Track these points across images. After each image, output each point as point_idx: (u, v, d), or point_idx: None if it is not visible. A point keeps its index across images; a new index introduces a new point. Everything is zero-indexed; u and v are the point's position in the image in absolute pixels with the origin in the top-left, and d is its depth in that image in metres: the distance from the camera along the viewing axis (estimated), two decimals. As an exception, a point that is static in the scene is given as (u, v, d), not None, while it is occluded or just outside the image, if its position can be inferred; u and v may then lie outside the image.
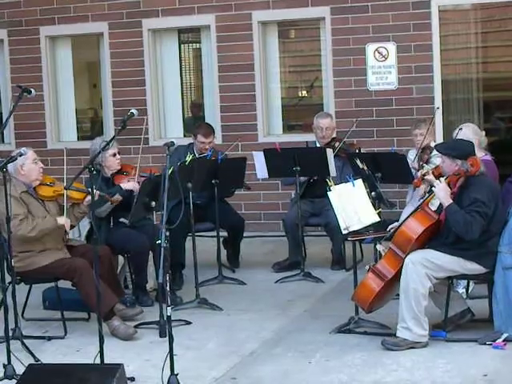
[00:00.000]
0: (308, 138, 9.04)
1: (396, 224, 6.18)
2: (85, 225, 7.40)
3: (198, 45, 11.14)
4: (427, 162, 7.63)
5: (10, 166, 5.96)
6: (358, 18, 9.99)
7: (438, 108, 8.25)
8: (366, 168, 6.93)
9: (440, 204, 5.90)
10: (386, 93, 9.99)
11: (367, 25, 9.97)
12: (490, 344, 5.75)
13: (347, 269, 8.04)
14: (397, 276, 5.85)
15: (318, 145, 8.45)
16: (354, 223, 6.09)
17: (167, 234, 5.05)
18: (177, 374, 5.04)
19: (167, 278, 4.99)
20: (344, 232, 6.10)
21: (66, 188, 6.49)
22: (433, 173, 6.64)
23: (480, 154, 6.57)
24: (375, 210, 6.28)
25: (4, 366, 5.48)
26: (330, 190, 6.13)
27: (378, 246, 6.11)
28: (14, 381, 5.32)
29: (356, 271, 6.40)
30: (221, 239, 8.19)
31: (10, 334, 5.64)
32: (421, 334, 5.79)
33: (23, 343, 5.96)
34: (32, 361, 5.71)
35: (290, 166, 7.84)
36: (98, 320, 5.43)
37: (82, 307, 6.68)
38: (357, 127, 8.58)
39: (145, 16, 10.70)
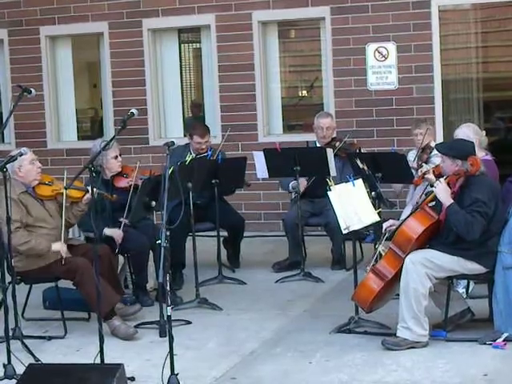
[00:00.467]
0: (308, 137, 9.04)
1: (391, 222, 6.18)
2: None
3: (198, 45, 11.15)
4: (426, 162, 7.63)
5: (8, 167, 5.95)
6: (358, 18, 9.99)
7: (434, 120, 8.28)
8: (366, 168, 6.93)
9: (440, 203, 5.90)
10: (386, 92, 9.99)
11: (367, 25, 9.97)
12: (490, 344, 5.75)
13: (347, 269, 8.04)
14: (397, 276, 5.85)
15: (318, 145, 8.46)
16: (354, 223, 6.09)
17: (167, 233, 5.05)
18: (177, 374, 5.05)
19: (167, 278, 4.99)
20: (344, 232, 6.11)
21: (65, 187, 6.48)
22: (433, 172, 6.65)
23: (480, 153, 6.58)
24: (375, 209, 6.29)
25: (4, 365, 5.48)
26: (330, 190, 6.12)
27: (378, 247, 6.10)
28: (14, 381, 5.31)
29: (356, 271, 6.40)
30: (221, 239, 8.19)
31: (10, 334, 5.63)
32: (421, 334, 5.79)
33: (23, 343, 5.96)
34: (32, 361, 5.70)
35: (291, 165, 7.84)
36: (98, 320, 5.42)
37: (82, 307, 6.67)
38: (357, 127, 8.58)
39: (145, 16, 10.70)
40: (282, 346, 6.08)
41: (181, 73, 11.07)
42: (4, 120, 10.96)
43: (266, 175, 8.17)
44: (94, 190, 5.62)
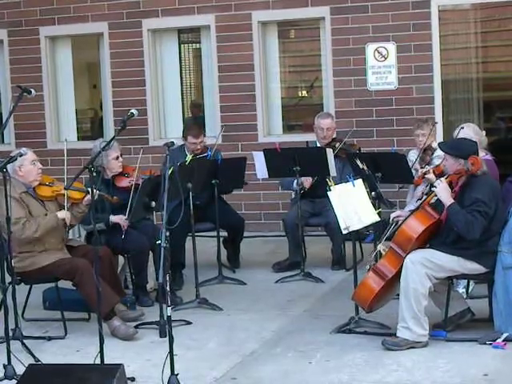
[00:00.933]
0: (308, 137, 9.04)
1: (398, 213, 6.19)
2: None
3: (197, 45, 11.15)
4: (429, 164, 7.62)
5: (8, 167, 5.96)
6: (357, 18, 9.99)
7: (436, 123, 8.26)
8: (365, 168, 6.93)
9: (440, 203, 5.90)
10: (385, 93, 9.99)
11: (367, 25, 9.97)
12: (490, 344, 5.75)
13: (347, 269, 8.04)
14: (397, 275, 5.85)
15: (318, 145, 8.45)
16: (354, 223, 6.09)
17: (167, 234, 5.05)
18: (177, 374, 5.05)
19: (167, 278, 4.99)
20: (344, 232, 6.11)
21: (65, 188, 6.49)
22: (433, 172, 6.65)
23: (480, 153, 6.56)
24: (375, 209, 6.29)
25: (4, 366, 5.48)
26: (330, 190, 6.13)
27: (379, 246, 6.11)
28: (14, 381, 5.32)
29: (356, 271, 6.40)
30: (221, 239, 8.19)
31: (10, 335, 5.63)
32: (421, 334, 5.79)
33: (23, 343, 5.96)
34: (32, 361, 5.70)
35: (290, 166, 7.84)
36: (98, 320, 5.42)
37: (82, 307, 6.68)
38: (357, 127, 8.57)
39: (145, 16, 10.71)
40: (282, 346, 6.08)
41: (181, 73, 11.08)
42: (4, 120, 10.95)
43: (266, 175, 8.17)
44: (95, 191, 5.62)
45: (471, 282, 6.78)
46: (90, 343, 5.94)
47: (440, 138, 9.46)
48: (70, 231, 7.17)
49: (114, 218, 7.14)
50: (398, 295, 5.91)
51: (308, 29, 10.95)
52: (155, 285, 7.31)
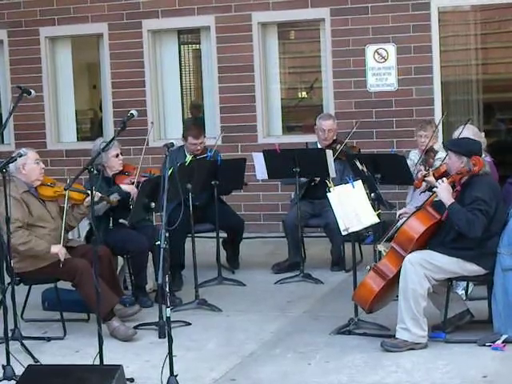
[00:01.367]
0: (308, 139, 9.04)
1: (404, 209, 6.20)
2: (84, 226, 7.40)
3: (197, 46, 11.15)
4: (431, 166, 7.62)
5: (11, 166, 5.96)
6: (357, 20, 9.99)
7: (442, 118, 8.29)
8: (365, 169, 6.94)
9: (442, 203, 5.90)
10: (385, 94, 9.99)
11: (367, 26, 9.98)
12: (490, 345, 5.75)
13: (347, 270, 8.04)
14: (398, 276, 5.85)
15: (318, 146, 8.45)
16: (354, 224, 6.09)
17: (167, 235, 5.05)
18: (176, 375, 5.04)
19: (166, 279, 4.99)
20: (344, 233, 6.11)
21: (65, 188, 6.49)
22: (433, 174, 6.65)
23: (480, 155, 6.58)
24: (375, 211, 6.29)
25: (3, 366, 5.48)
26: (330, 192, 6.13)
27: (379, 246, 6.11)
28: (14, 382, 5.32)
29: (356, 272, 6.40)
30: (220, 240, 8.19)
31: (10, 335, 5.63)
32: (420, 335, 5.79)
33: (22, 344, 5.96)
34: (31, 362, 5.70)
35: (290, 167, 7.84)
36: (98, 321, 5.42)
37: (81, 308, 6.68)
38: (357, 128, 8.57)
39: (145, 17, 10.70)
40: (281, 347, 6.08)
41: (180, 74, 11.07)
42: (4, 121, 10.95)
43: (266, 176, 8.17)
44: (96, 193, 5.63)
45: (470, 284, 6.78)
46: (90, 344, 5.94)
47: (440, 139, 9.47)
48: (70, 232, 7.17)
49: (125, 187, 7.15)
50: (398, 297, 5.91)
51: (308, 30, 10.95)
52: (154, 285, 7.31)
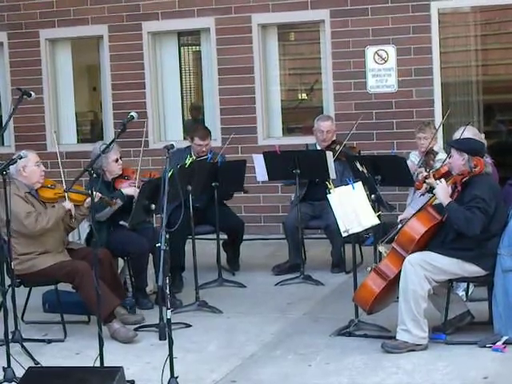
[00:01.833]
0: (308, 140, 9.04)
1: (404, 215, 6.21)
2: (84, 228, 7.41)
3: (197, 47, 11.15)
4: (432, 167, 7.62)
5: (11, 168, 5.98)
6: (357, 21, 9.99)
7: (445, 116, 8.31)
8: (365, 171, 6.94)
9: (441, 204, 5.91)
10: (385, 95, 9.99)
11: (367, 27, 9.97)
12: (490, 347, 5.75)
13: (347, 271, 8.04)
14: (399, 277, 5.85)
15: (318, 147, 8.45)
16: (354, 226, 6.09)
17: (167, 236, 5.05)
18: (177, 377, 5.04)
19: (167, 281, 4.99)
20: (344, 235, 6.11)
21: (66, 190, 6.50)
22: (433, 175, 6.65)
23: (480, 156, 6.58)
24: (375, 212, 6.29)
25: (4, 369, 5.47)
26: (330, 193, 6.13)
27: (380, 247, 6.11)
28: (14, 384, 5.32)
29: (356, 274, 6.40)
30: (220, 242, 8.19)
31: (10, 337, 5.63)
32: (420, 337, 5.78)
33: (23, 346, 5.96)
34: (32, 364, 5.70)
35: (290, 168, 7.84)
36: (98, 323, 5.42)
37: (81, 310, 6.67)
38: (357, 130, 8.57)
39: (145, 19, 10.70)
40: (282, 348, 6.08)
41: (180, 76, 11.07)
42: (4, 123, 10.95)
43: (266, 178, 8.17)
44: (97, 193, 5.63)
45: (471, 285, 6.78)
46: (90, 346, 5.94)
47: (440, 140, 9.47)
48: (70, 234, 7.17)
49: (128, 191, 7.15)
50: (398, 298, 5.91)
51: (308, 31, 10.95)
52: (155, 287, 7.31)
